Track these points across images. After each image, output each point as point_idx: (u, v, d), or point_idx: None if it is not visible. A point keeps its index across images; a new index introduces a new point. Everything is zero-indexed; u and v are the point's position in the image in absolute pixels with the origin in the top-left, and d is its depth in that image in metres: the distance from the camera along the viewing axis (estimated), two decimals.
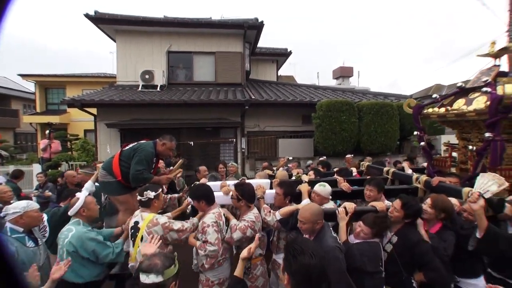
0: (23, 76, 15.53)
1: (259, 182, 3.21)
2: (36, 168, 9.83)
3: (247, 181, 3.13)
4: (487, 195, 2.27)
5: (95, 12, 9.34)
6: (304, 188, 3.00)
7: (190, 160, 9.09)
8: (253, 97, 8.92)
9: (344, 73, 17.30)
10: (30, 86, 18.01)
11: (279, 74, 15.32)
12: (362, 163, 4.95)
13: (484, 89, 2.90)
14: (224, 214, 2.65)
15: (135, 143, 3.24)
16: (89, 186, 3.25)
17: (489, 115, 2.76)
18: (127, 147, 3.21)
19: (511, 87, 2.73)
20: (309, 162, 7.50)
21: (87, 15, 9.16)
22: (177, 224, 2.46)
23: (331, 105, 8.28)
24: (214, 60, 10.37)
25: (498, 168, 2.92)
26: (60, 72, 16.15)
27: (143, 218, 2.41)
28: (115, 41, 10.09)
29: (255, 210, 2.67)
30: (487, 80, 3.03)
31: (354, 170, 4.52)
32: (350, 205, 2.51)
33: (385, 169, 4.04)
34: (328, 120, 8.26)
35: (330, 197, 2.89)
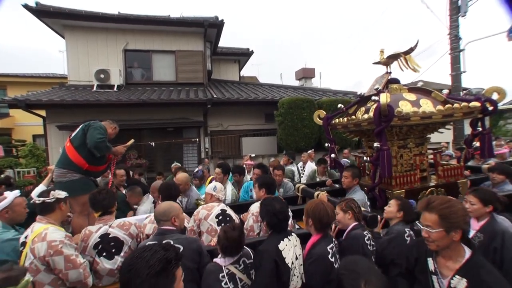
0: None
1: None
2: None
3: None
4: None
5: (36, 3, 8.42)
6: None
7: (153, 162, 8.80)
8: (215, 96, 8.86)
9: (306, 74, 17.75)
10: None
11: (242, 75, 15.37)
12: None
13: (373, 97, 2.82)
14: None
15: (80, 126, 3.08)
16: (40, 189, 2.97)
17: (375, 124, 2.72)
18: (73, 134, 3.06)
19: (385, 97, 2.61)
20: (272, 160, 7.63)
21: (26, 6, 8.18)
22: (72, 251, 1.83)
23: (292, 103, 8.51)
24: (174, 59, 10.13)
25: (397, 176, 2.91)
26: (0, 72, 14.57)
27: (33, 230, 1.89)
28: (64, 37, 9.38)
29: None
30: (377, 88, 3.02)
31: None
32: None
33: (297, 185, 3.77)
34: (290, 117, 8.47)
35: (214, 192, 2.65)
